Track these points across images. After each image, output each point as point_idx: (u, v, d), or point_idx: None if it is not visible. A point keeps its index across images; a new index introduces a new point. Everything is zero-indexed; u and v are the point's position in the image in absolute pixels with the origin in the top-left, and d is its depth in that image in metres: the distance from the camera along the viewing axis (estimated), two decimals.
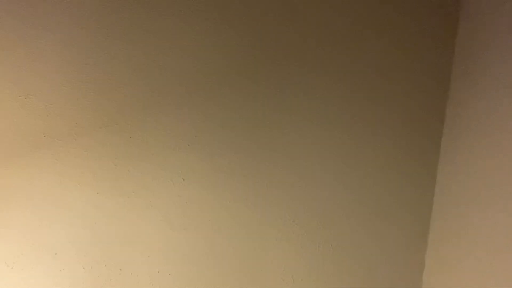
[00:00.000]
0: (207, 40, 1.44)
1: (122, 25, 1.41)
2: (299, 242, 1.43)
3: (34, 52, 1.38)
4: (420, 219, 1.44)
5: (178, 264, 1.41)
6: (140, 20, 1.42)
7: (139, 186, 1.42)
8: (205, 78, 1.44)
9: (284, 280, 1.41)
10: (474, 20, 1.37)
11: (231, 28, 1.45)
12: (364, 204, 1.45)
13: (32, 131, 1.38)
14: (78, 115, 1.41)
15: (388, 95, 1.46)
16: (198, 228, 1.43)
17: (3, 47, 1.37)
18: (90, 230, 1.40)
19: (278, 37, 1.46)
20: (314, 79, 1.46)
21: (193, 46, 1.44)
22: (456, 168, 1.34)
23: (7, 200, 1.39)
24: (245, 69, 1.45)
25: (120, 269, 1.40)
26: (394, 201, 1.45)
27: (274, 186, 1.44)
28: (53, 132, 1.40)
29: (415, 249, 1.43)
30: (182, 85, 1.44)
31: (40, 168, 1.39)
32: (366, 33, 1.46)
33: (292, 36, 1.46)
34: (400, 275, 1.43)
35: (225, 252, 1.42)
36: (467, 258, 1.19)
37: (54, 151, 1.40)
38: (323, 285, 1.42)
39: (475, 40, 1.35)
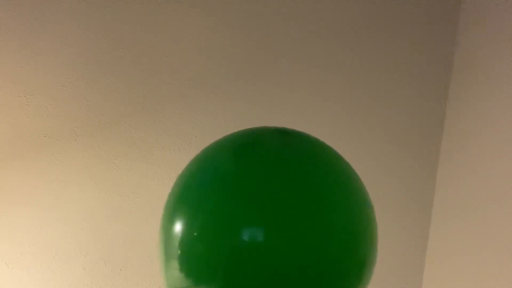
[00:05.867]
0: (207, 40, 1.44)
1: (122, 25, 1.41)
2: None
3: (34, 52, 1.38)
4: (420, 219, 1.44)
5: None
6: (140, 20, 1.42)
7: (139, 186, 1.42)
8: (205, 78, 1.44)
9: None
10: (474, 20, 1.37)
11: (231, 28, 1.45)
12: None
13: (32, 131, 1.38)
14: (78, 115, 1.40)
15: (388, 95, 1.46)
16: None
17: (3, 47, 1.37)
18: (90, 230, 1.40)
19: (278, 37, 1.46)
20: (313, 78, 1.46)
21: (193, 46, 1.44)
22: (456, 168, 1.34)
23: (7, 200, 1.39)
24: (245, 69, 1.45)
25: (120, 269, 1.40)
26: (394, 201, 1.44)
27: None
28: (53, 133, 1.40)
29: (415, 249, 1.43)
30: (182, 85, 1.44)
31: (40, 169, 1.39)
32: (365, 33, 1.46)
33: (292, 36, 1.46)
34: (400, 275, 1.43)
35: None
36: (467, 259, 1.19)
37: (54, 152, 1.40)
38: None
39: (475, 40, 1.35)
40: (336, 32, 1.47)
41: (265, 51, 1.45)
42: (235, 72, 1.45)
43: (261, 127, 0.59)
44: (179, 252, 0.49)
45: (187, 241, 0.48)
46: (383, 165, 1.45)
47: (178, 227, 0.50)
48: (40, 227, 1.39)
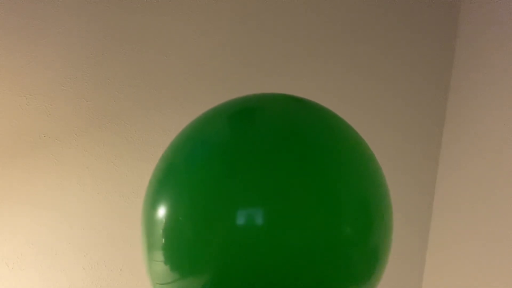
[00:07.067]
0: (208, 40, 1.44)
1: (122, 25, 1.41)
2: None
3: (34, 52, 1.38)
4: (420, 219, 1.44)
5: None
6: (140, 20, 1.42)
7: (139, 186, 1.42)
8: (205, 78, 1.44)
9: None
10: (474, 20, 1.37)
11: (232, 28, 1.45)
12: None
13: (32, 131, 1.38)
14: (78, 115, 1.40)
15: (388, 95, 1.46)
16: None
17: (3, 47, 1.37)
18: (90, 230, 1.40)
19: (278, 37, 1.46)
20: (313, 78, 1.46)
21: (193, 46, 1.44)
22: (456, 168, 1.34)
23: (7, 200, 1.39)
24: (245, 69, 1.45)
25: (120, 269, 1.40)
26: (394, 201, 1.44)
27: None
28: (53, 133, 1.40)
29: (415, 249, 1.43)
30: (182, 85, 1.44)
31: (40, 169, 1.39)
32: (365, 33, 1.46)
33: (292, 36, 1.46)
34: (400, 275, 1.43)
35: None
36: (467, 258, 1.19)
37: (54, 152, 1.40)
38: None
39: (475, 40, 1.35)
40: (334, 29, 1.47)
41: (265, 51, 1.45)
42: (236, 72, 1.45)
43: (270, 93, 0.51)
44: (163, 240, 0.39)
45: (171, 227, 0.39)
46: (383, 164, 1.45)
47: (161, 211, 0.40)
48: (40, 227, 1.39)
